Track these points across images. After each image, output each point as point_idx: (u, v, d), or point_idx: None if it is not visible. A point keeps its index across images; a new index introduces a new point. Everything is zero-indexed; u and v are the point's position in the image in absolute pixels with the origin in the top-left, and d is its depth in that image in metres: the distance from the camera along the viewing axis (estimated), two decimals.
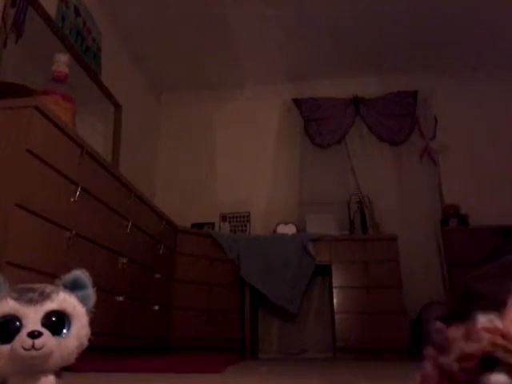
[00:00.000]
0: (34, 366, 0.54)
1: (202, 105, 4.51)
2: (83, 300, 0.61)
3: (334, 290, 3.27)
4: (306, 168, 4.12)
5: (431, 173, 4.00)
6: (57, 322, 0.57)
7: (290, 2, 3.41)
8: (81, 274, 0.63)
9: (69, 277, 0.63)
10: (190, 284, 3.19)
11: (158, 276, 2.79)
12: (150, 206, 2.73)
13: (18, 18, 2.30)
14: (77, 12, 2.94)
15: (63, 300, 0.58)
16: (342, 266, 3.33)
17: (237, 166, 4.25)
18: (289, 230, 3.64)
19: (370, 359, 2.88)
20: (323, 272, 3.49)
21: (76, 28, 2.92)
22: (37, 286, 0.59)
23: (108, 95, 3.39)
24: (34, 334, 0.53)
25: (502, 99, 4.09)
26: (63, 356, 0.56)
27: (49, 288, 0.59)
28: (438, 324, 0.59)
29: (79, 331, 0.58)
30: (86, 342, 0.59)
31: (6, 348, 0.53)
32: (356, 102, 4.25)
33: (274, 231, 3.69)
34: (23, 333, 0.53)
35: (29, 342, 0.52)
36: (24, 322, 0.54)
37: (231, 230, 3.92)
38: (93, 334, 0.61)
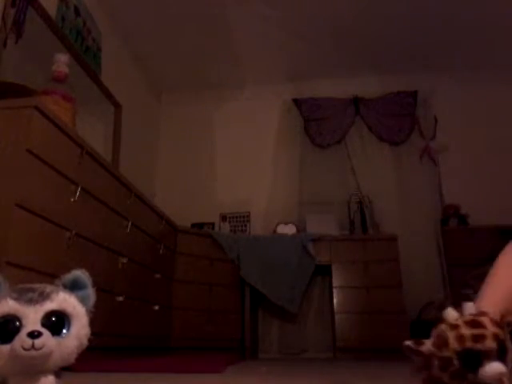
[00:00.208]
0: (34, 366, 0.54)
1: (202, 105, 4.51)
2: (83, 300, 0.61)
3: (334, 290, 3.27)
4: (306, 168, 4.12)
5: (431, 173, 4.00)
6: (57, 322, 0.57)
7: (290, 2, 3.41)
8: (81, 274, 0.63)
9: (69, 277, 0.63)
10: (190, 284, 3.19)
11: (158, 276, 2.79)
12: (150, 206, 2.73)
13: (18, 17, 2.30)
14: (77, 12, 2.94)
15: (63, 300, 0.58)
16: (342, 265, 3.33)
17: (237, 166, 4.25)
18: (289, 229, 3.64)
19: (370, 359, 2.88)
20: (323, 272, 3.49)
21: (76, 28, 2.92)
22: (37, 286, 0.59)
23: (108, 95, 3.39)
24: (33, 334, 0.53)
25: (502, 99, 4.08)
26: (63, 356, 0.56)
27: (49, 288, 0.59)
28: (406, 344, 0.59)
29: (79, 331, 0.58)
30: (85, 342, 0.60)
31: (5, 348, 0.53)
32: (356, 102, 4.25)
33: (274, 231, 3.69)
34: (23, 333, 0.53)
35: (29, 342, 0.52)
36: (24, 322, 0.54)
37: (231, 230, 3.92)
38: (93, 334, 0.61)
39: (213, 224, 3.97)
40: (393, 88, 4.23)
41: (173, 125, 4.52)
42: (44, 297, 0.57)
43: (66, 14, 2.80)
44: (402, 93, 4.22)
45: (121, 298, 2.24)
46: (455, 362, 0.54)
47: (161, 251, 2.87)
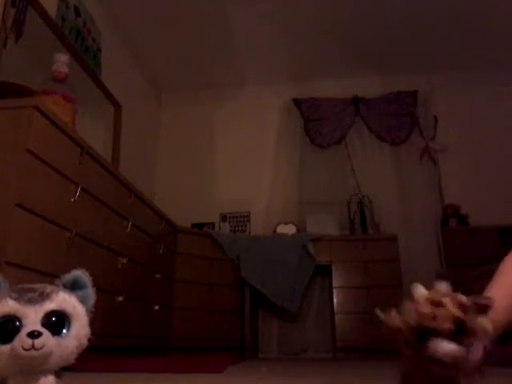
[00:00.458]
0: (34, 366, 0.54)
1: (202, 105, 4.51)
2: (83, 300, 0.61)
3: (334, 290, 3.27)
4: (306, 168, 4.12)
5: (431, 173, 4.00)
6: (57, 322, 0.57)
7: (291, 2, 3.41)
8: (81, 273, 0.63)
9: (69, 277, 0.63)
10: (190, 284, 3.19)
11: (158, 276, 2.79)
12: (149, 206, 2.73)
13: (18, 17, 2.30)
14: (77, 12, 2.94)
15: (63, 300, 0.58)
16: (342, 265, 3.33)
17: (237, 166, 4.25)
18: (289, 229, 3.64)
19: (370, 359, 2.88)
20: (323, 272, 3.49)
21: (76, 28, 2.92)
22: (37, 286, 0.59)
23: (108, 95, 3.39)
24: (33, 334, 0.53)
25: (502, 99, 4.08)
26: (63, 356, 0.56)
27: (49, 288, 0.59)
28: (376, 312, 0.61)
29: (79, 331, 0.58)
30: (85, 342, 0.59)
31: (5, 348, 0.53)
32: (356, 102, 4.25)
33: (274, 231, 3.69)
34: (23, 333, 0.53)
35: (28, 342, 0.52)
36: (24, 322, 0.54)
37: (231, 230, 3.91)
38: (93, 334, 0.61)
39: (213, 224, 3.97)
40: (393, 88, 4.23)
41: (173, 125, 4.52)
42: (44, 297, 0.57)
43: (65, 14, 2.80)
44: (402, 93, 4.22)
45: (121, 298, 2.24)
46: (411, 336, 0.56)
47: (161, 251, 2.87)
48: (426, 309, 0.56)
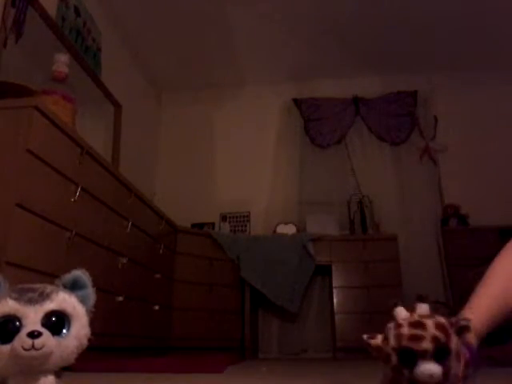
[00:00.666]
0: (34, 366, 0.54)
1: (201, 105, 4.51)
2: (83, 300, 0.61)
3: (334, 290, 3.27)
4: (306, 168, 4.12)
5: (431, 173, 4.00)
6: (57, 322, 0.57)
7: (291, 2, 3.41)
8: (81, 273, 0.63)
9: (69, 277, 0.63)
10: (190, 284, 3.19)
11: (158, 276, 2.79)
12: (149, 206, 2.73)
13: (18, 17, 2.30)
14: (77, 12, 2.94)
15: (63, 300, 0.58)
16: (342, 265, 3.33)
17: (237, 165, 4.25)
18: (289, 229, 3.64)
19: (370, 359, 2.88)
20: (323, 272, 3.49)
21: (76, 28, 2.92)
22: (37, 286, 0.59)
23: (108, 95, 3.39)
24: (33, 334, 0.53)
25: (502, 99, 4.08)
26: (63, 356, 0.56)
27: (49, 288, 0.59)
28: (363, 336, 0.64)
29: (79, 331, 0.58)
30: (85, 342, 0.59)
31: (5, 348, 0.53)
32: (356, 101, 4.25)
33: (274, 231, 3.69)
34: (23, 333, 0.53)
35: (28, 342, 0.52)
36: (24, 322, 0.54)
37: (231, 230, 3.91)
38: (93, 334, 0.61)
39: (213, 224, 3.97)
40: (393, 88, 4.23)
41: (173, 125, 4.52)
42: (44, 297, 0.57)
43: (65, 14, 2.80)
44: (402, 93, 4.22)
45: (121, 298, 2.24)
46: (393, 358, 0.59)
47: (161, 251, 2.87)
48: (406, 330, 0.58)
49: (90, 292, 0.63)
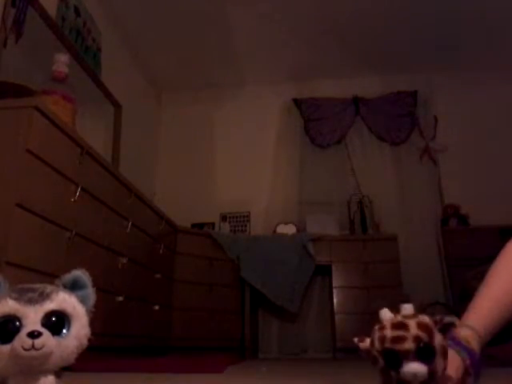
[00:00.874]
0: (34, 366, 0.54)
1: (201, 105, 4.51)
2: (83, 300, 0.61)
3: (334, 290, 3.27)
4: (306, 168, 4.12)
5: (431, 173, 4.00)
6: (57, 322, 0.57)
7: (291, 2, 3.41)
8: (81, 273, 0.63)
9: (69, 277, 0.63)
10: (190, 284, 3.19)
11: (158, 276, 2.79)
12: (149, 206, 2.73)
13: (18, 17, 2.30)
14: (77, 12, 2.94)
15: (63, 300, 0.58)
16: (342, 265, 3.33)
17: (237, 165, 4.25)
18: (289, 229, 3.64)
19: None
20: (323, 272, 3.49)
21: (76, 28, 2.92)
22: (37, 286, 0.59)
23: (108, 95, 3.39)
24: (33, 334, 0.53)
25: (502, 99, 4.08)
26: (63, 356, 0.56)
27: (49, 288, 0.59)
28: (353, 339, 0.65)
29: (79, 331, 0.58)
30: (85, 342, 0.59)
31: (5, 348, 0.53)
32: (356, 101, 4.25)
33: (274, 231, 3.69)
34: (23, 333, 0.53)
35: (28, 342, 0.52)
36: (24, 322, 0.54)
37: (231, 230, 3.91)
38: (93, 334, 0.61)
39: (213, 224, 3.97)
40: (393, 88, 4.23)
41: (173, 125, 4.52)
42: (44, 297, 0.57)
43: (66, 14, 2.80)
44: (402, 93, 4.22)
45: (121, 298, 2.24)
46: (380, 360, 0.60)
47: (161, 251, 2.87)
48: (388, 332, 0.60)
49: (90, 292, 0.63)
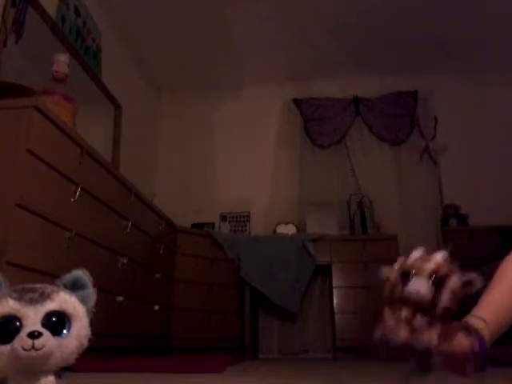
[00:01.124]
0: (34, 366, 0.54)
1: (201, 105, 4.51)
2: (83, 300, 0.61)
3: (334, 290, 3.27)
4: (306, 168, 4.12)
5: (431, 173, 4.00)
6: (57, 322, 0.57)
7: (291, 2, 3.41)
8: (81, 273, 0.63)
9: (69, 277, 0.63)
10: (190, 284, 3.19)
11: (158, 276, 2.79)
12: (149, 206, 2.73)
13: (18, 17, 2.30)
14: (77, 12, 2.94)
15: (63, 300, 0.58)
16: (342, 265, 3.33)
17: (237, 166, 4.25)
18: (289, 229, 3.64)
19: (370, 359, 2.88)
20: (323, 272, 3.49)
21: (76, 28, 2.92)
22: (37, 286, 0.59)
23: (108, 95, 3.38)
24: (33, 335, 0.53)
25: (502, 99, 4.08)
26: (63, 356, 0.56)
27: (49, 288, 0.59)
28: (383, 267, 0.77)
29: (79, 331, 0.58)
30: (86, 343, 0.59)
31: (5, 348, 0.53)
32: (356, 101, 4.25)
33: (274, 231, 3.69)
34: (23, 333, 0.53)
35: (29, 342, 0.52)
36: (24, 323, 0.54)
37: (231, 230, 3.91)
38: (93, 334, 0.61)
39: (213, 224, 3.97)
40: (393, 88, 4.23)
41: (173, 125, 4.52)
42: (44, 297, 0.57)
43: (66, 14, 2.80)
44: (402, 93, 4.22)
45: (121, 298, 2.24)
46: (395, 275, 0.70)
47: (161, 251, 2.87)
48: (411, 260, 0.68)
49: (91, 292, 0.63)
